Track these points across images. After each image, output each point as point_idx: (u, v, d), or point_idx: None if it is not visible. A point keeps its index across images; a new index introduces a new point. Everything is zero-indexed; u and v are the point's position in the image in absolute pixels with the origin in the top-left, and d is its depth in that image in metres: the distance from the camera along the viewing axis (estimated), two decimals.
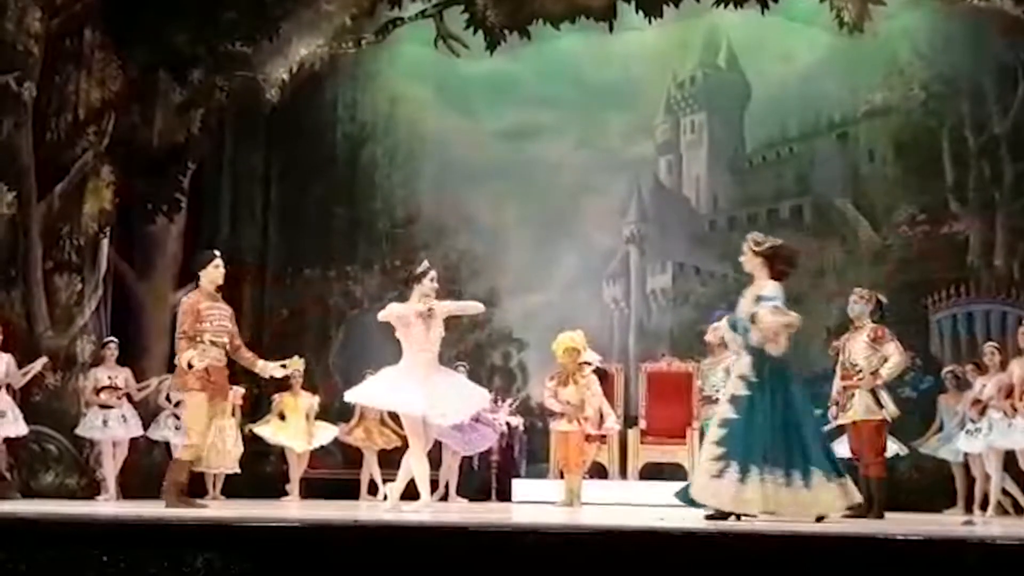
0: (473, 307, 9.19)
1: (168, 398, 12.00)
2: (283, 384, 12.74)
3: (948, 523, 8.79)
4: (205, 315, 8.67)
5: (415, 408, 8.46)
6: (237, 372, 13.19)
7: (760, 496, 7.23)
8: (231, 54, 13.92)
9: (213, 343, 8.67)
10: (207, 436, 9.18)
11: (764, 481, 7.25)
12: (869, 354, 9.09)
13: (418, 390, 8.42)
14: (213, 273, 8.83)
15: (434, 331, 8.61)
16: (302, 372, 12.64)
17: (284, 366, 9.20)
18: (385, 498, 9.22)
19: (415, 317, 8.50)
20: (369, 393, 9.05)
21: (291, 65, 14.40)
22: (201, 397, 8.57)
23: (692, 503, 7.55)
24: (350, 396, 9.21)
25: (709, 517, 7.32)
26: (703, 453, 7.60)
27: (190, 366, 8.44)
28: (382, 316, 8.62)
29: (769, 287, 7.70)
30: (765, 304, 7.61)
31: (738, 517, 7.34)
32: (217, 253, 9.01)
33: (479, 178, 14.73)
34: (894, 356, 9.05)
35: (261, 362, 9.02)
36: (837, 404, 9.41)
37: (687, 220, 14.66)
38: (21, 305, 12.18)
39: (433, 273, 8.75)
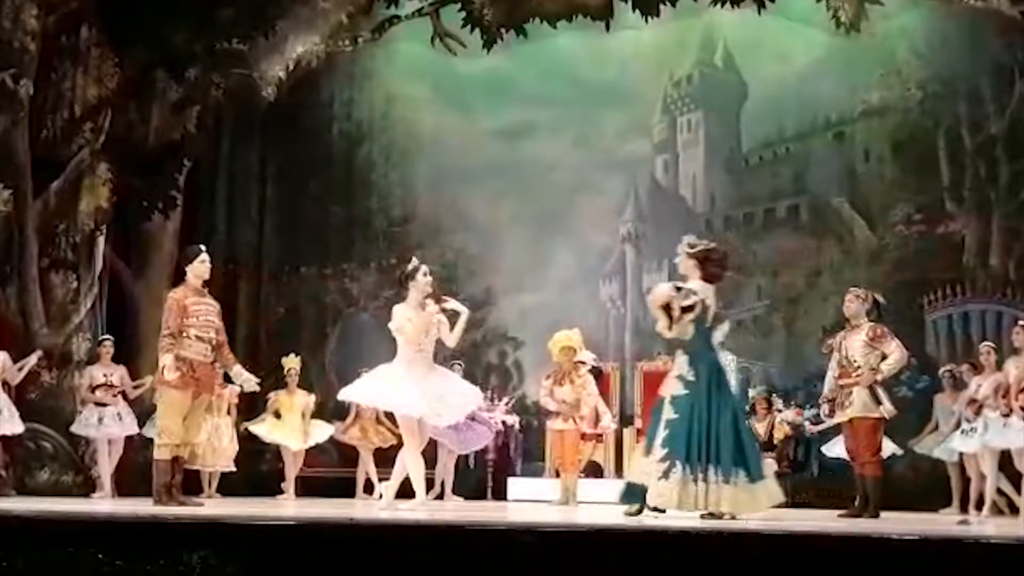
0: (451, 339, 8.97)
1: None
2: (279, 382, 12.76)
3: (943, 523, 8.80)
4: (192, 310, 8.64)
5: (414, 409, 8.46)
6: None
7: (704, 495, 7.42)
8: (228, 52, 13.90)
9: (199, 338, 8.64)
10: (195, 432, 9.12)
11: (709, 480, 7.44)
12: (867, 352, 9.08)
13: (416, 390, 8.42)
14: (199, 268, 8.80)
15: (432, 332, 8.64)
16: (298, 370, 12.69)
17: (260, 383, 9.19)
18: (381, 497, 9.22)
19: (428, 326, 8.55)
20: (365, 392, 9.02)
21: (287, 63, 14.39)
22: (175, 395, 8.52)
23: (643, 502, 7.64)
24: (345, 394, 9.18)
25: (704, 516, 7.39)
26: (651, 455, 7.70)
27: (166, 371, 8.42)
28: (404, 331, 8.57)
29: (693, 283, 7.87)
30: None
31: (734, 516, 7.39)
32: (203, 248, 8.95)
33: (475, 177, 14.73)
34: (895, 353, 9.04)
35: (238, 367, 8.97)
36: (829, 402, 9.40)
37: (683, 219, 14.64)
38: (17, 302, 12.17)
39: (424, 268, 8.75)
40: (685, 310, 7.71)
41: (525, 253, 14.63)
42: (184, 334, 8.56)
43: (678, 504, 7.46)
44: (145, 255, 13.72)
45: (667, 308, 7.75)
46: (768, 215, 14.41)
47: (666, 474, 7.48)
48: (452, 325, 8.78)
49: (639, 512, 7.64)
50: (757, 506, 7.64)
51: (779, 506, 11.15)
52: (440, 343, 8.85)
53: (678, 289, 7.78)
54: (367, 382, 8.85)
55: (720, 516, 7.37)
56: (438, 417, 8.70)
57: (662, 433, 7.63)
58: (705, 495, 7.43)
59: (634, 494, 7.79)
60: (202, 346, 8.65)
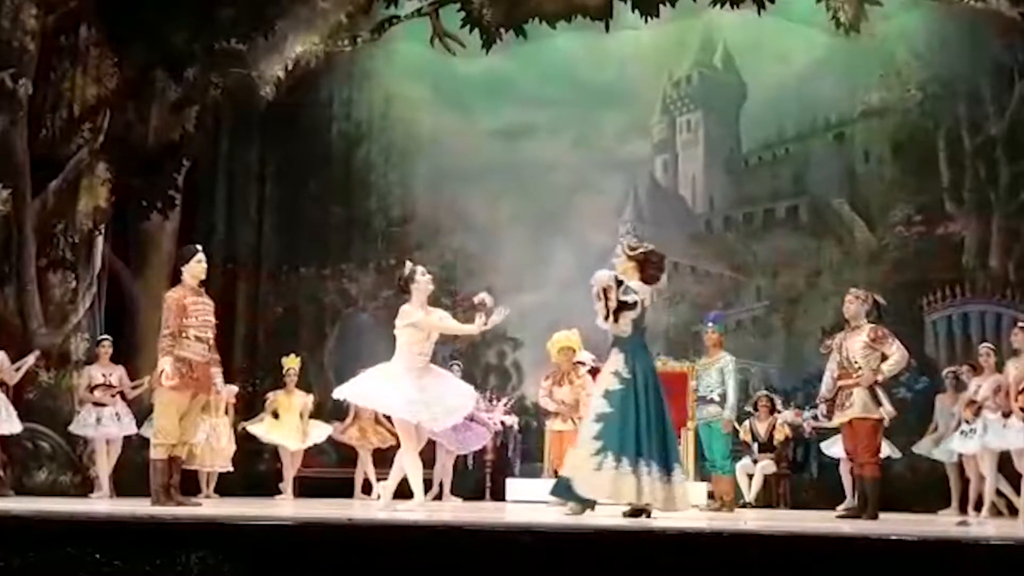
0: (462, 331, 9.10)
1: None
2: (277, 382, 12.75)
3: (942, 524, 8.79)
4: (190, 310, 8.62)
5: (411, 414, 8.45)
6: (232, 371, 13.26)
7: (636, 488, 7.54)
8: (227, 51, 13.90)
9: (198, 338, 8.61)
10: (192, 432, 9.09)
11: (640, 473, 7.57)
12: (868, 353, 9.07)
13: (413, 393, 8.41)
14: (196, 268, 8.75)
15: (433, 334, 8.66)
16: (297, 371, 12.67)
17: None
18: (379, 497, 9.21)
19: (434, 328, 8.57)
20: (362, 392, 8.98)
21: (287, 63, 14.38)
22: (172, 395, 8.48)
23: (576, 498, 7.68)
24: (340, 393, 9.14)
25: (627, 514, 7.55)
26: (581, 449, 7.77)
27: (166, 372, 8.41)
28: (419, 325, 8.58)
29: (634, 284, 8.02)
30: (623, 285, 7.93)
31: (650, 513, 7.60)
32: (199, 248, 8.92)
33: (474, 177, 14.72)
34: (895, 355, 9.04)
35: (218, 369, 8.93)
36: (827, 402, 9.38)
37: (683, 220, 14.67)
38: (15, 302, 12.17)
39: (421, 268, 8.75)
40: (624, 307, 7.89)
41: (524, 253, 14.62)
42: (183, 334, 8.54)
43: (611, 495, 7.59)
44: (144, 255, 13.70)
45: (604, 296, 7.89)
46: (768, 216, 14.41)
47: (600, 466, 7.60)
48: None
49: (581, 511, 7.67)
50: (686, 504, 7.85)
51: (779, 507, 11.18)
52: (438, 342, 8.84)
53: (619, 282, 7.85)
54: (364, 382, 8.83)
55: (648, 512, 7.55)
56: (434, 421, 8.70)
57: (595, 426, 7.75)
58: (638, 489, 7.54)
59: (560, 488, 7.87)
60: (200, 346, 8.63)
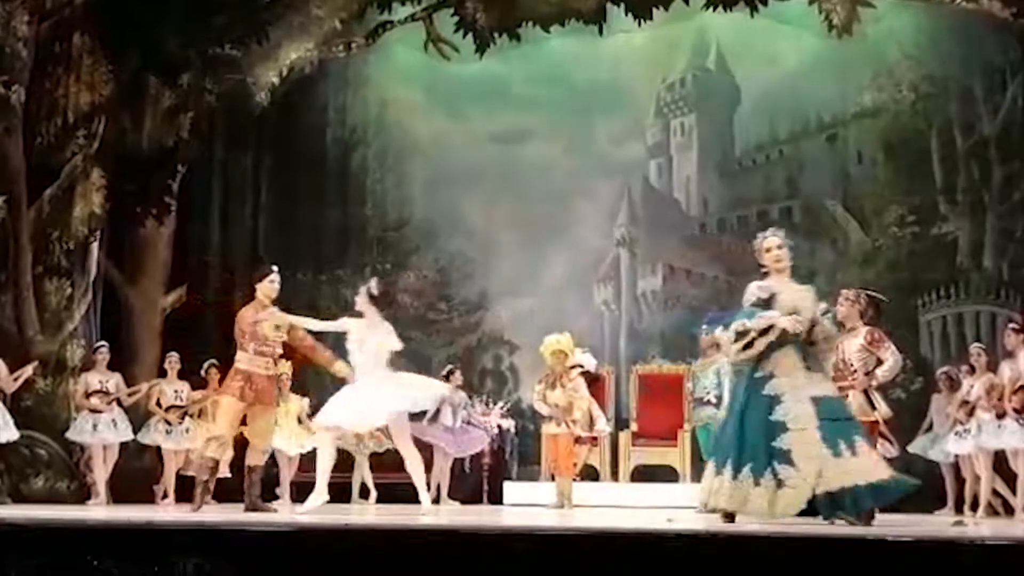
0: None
1: (159, 403, 12.00)
2: None
3: (939, 524, 8.80)
4: (256, 327, 8.90)
5: (344, 422, 8.67)
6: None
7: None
8: (221, 58, 13.90)
9: (259, 353, 8.94)
10: (267, 440, 9.50)
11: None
12: (864, 356, 9.08)
13: (359, 402, 8.62)
14: (267, 287, 9.07)
15: (368, 343, 8.88)
16: (290, 376, 12.64)
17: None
18: (377, 502, 9.28)
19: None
20: (338, 416, 9.13)
21: (281, 69, 14.39)
22: (229, 404, 8.90)
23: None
24: (321, 421, 9.32)
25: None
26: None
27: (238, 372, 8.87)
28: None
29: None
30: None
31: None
32: (275, 268, 9.20)
33: (469, 181, 14.74)
34: (889, 360, 9.05)
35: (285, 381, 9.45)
36: None
37: (677, 222, 14.68)
38: (11, 310, 12.16)
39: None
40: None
41: (520, 257, 14.63)
42: (245, 348, 8.88)
43: (770, 512, 7.29)
44: (139, 261, 13.70)
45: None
46: (762, 218, 14.40)
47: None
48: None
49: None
50: None
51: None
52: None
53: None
54: (334, 404, 9.03)
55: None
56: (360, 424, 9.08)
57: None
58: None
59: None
60: (263, 360, 8.98)
